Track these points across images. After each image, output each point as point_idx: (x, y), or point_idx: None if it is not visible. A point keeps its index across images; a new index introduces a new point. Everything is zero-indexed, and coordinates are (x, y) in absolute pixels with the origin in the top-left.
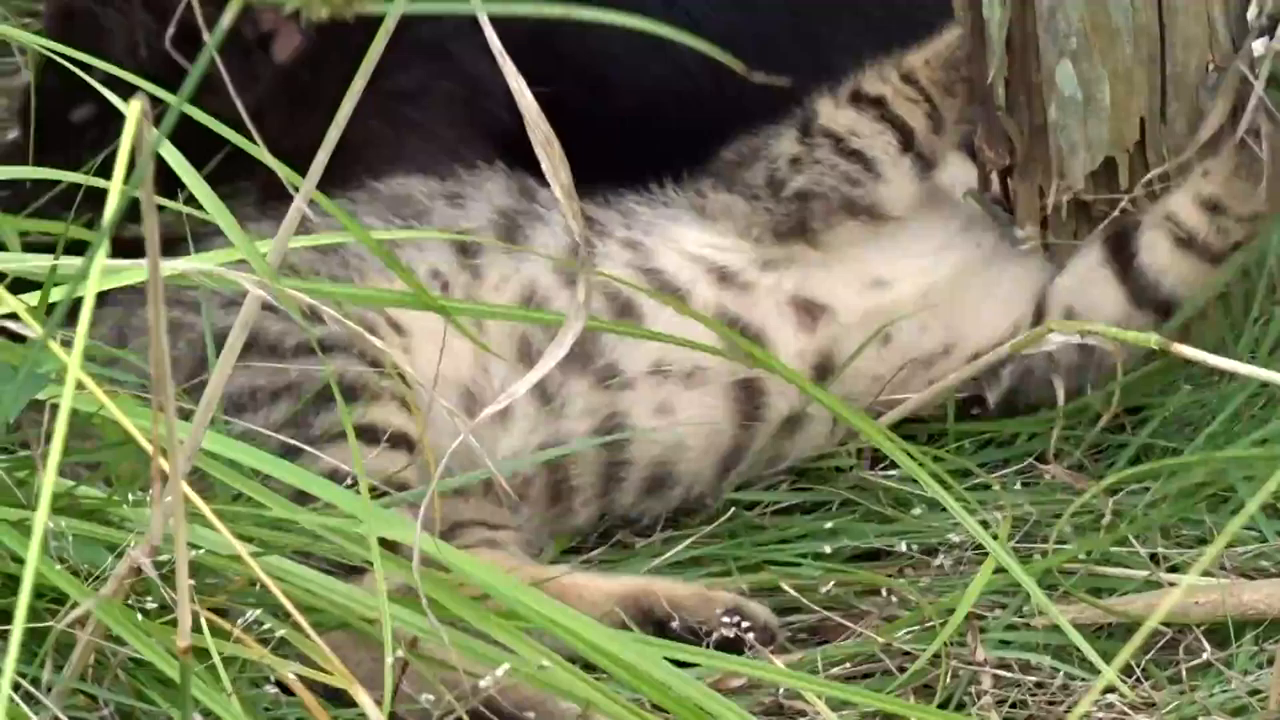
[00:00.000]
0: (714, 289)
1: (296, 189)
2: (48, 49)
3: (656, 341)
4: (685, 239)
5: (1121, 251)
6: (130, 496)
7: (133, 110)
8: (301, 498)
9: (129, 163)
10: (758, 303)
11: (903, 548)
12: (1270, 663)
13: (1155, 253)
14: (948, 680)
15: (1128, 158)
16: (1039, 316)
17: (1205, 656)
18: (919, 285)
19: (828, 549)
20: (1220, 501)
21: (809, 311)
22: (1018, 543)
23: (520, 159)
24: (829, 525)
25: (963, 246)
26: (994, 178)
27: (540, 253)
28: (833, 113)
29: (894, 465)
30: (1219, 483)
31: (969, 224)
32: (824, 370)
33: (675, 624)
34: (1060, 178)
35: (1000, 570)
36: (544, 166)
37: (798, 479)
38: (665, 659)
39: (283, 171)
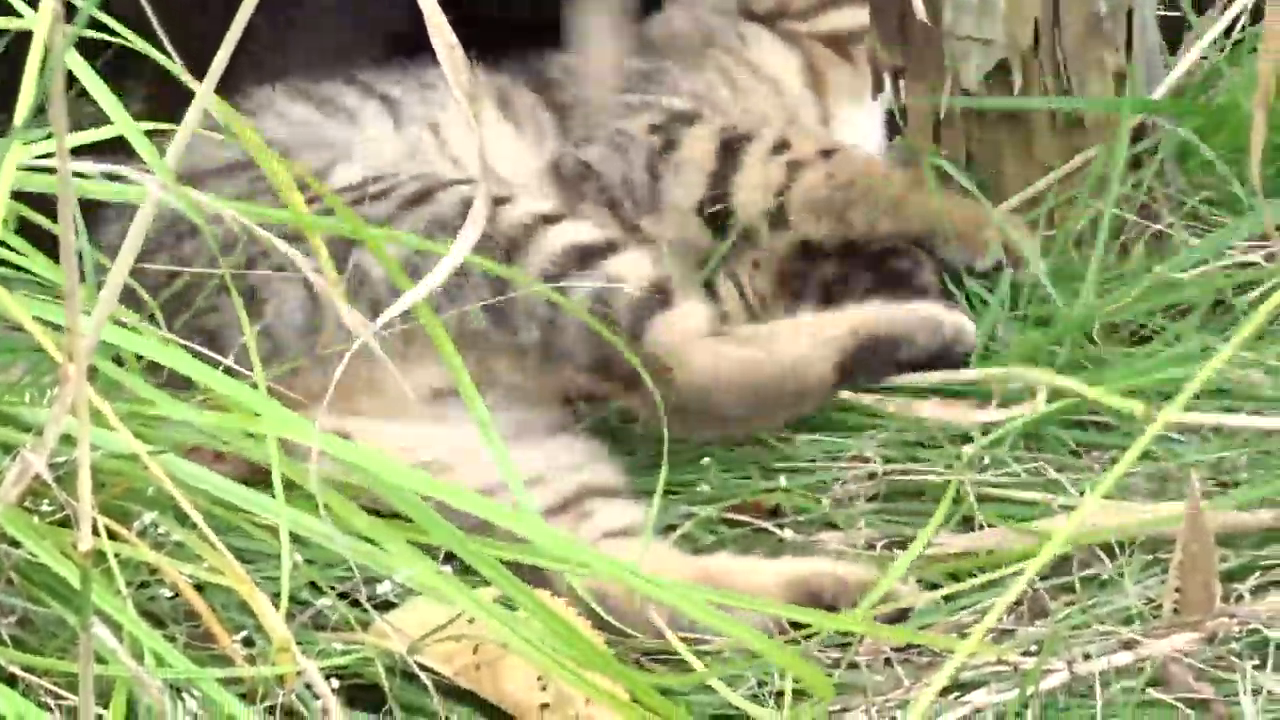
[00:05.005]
0: None
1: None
2: None
3: None
4: None
5: None
6: (27, 397)
7: (45, 10)
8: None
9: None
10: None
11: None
12: (1165, 573)
13: None
14: None
15: (1021, 60)
16: None
17: (1099, 570)
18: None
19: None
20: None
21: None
22: (904, 466)
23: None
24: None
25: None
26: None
27: None
28: None
29: None
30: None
31: None
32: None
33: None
34: (954, 80)
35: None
36: (445, 71)
37: None
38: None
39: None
